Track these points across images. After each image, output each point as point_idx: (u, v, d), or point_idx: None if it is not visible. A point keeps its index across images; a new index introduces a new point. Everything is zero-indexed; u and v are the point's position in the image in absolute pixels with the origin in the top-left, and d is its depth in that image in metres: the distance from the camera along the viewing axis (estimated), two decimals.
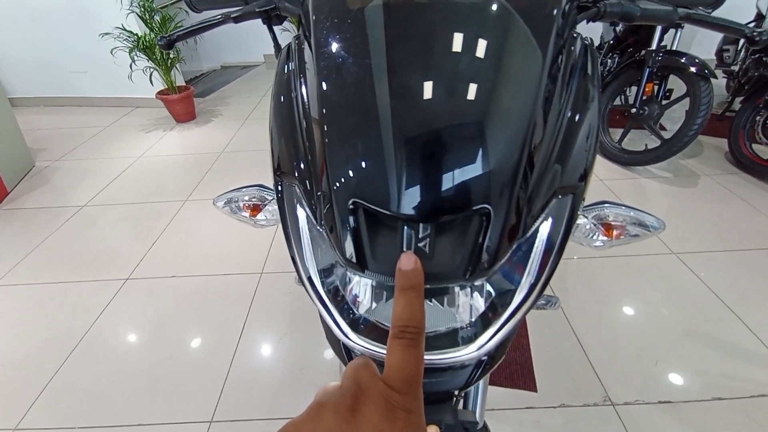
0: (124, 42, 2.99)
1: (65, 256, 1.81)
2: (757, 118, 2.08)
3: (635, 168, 2.28)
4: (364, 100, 0.40)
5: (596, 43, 2.86)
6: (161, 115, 3.39)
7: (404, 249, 0.37)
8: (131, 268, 1.71)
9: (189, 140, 2.97)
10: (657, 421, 1.07)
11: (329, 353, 1.30)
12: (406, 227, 0.37)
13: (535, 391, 1.15)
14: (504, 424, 1.08)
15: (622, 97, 2.43)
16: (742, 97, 2.29)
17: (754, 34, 0.57)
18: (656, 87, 2.18)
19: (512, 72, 0.41)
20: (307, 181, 0.43)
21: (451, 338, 0.40)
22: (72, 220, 2.07)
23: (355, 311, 0.42)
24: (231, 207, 0.62)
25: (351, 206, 0.38)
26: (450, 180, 0.36)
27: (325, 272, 0.43)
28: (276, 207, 0.47)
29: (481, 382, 0.58)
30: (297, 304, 1.49)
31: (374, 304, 0.41)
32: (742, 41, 2.50)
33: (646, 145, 2.23)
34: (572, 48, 0.48)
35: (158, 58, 3.03)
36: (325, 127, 0.41)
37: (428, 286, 0.40)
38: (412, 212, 0.36)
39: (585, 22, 0.56)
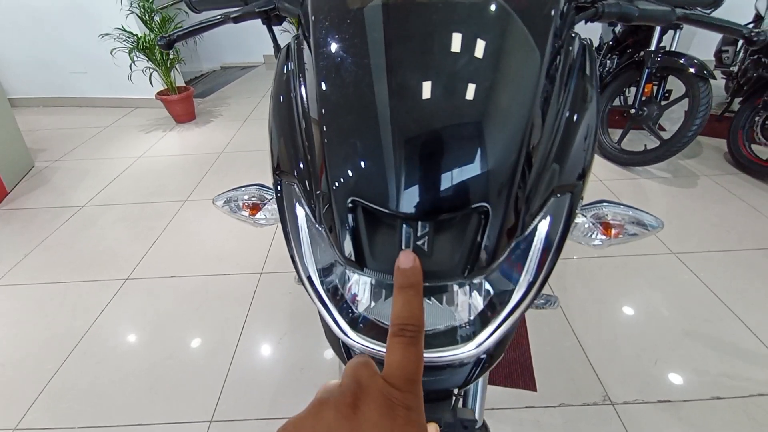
0: (124, 43, 2.99)
1: (65, 256, 1.81)
2: (756, 118, 2.09)
3: (634, 168, 2.28)
4: (363, 100, 0.40)
5: (595, 44, 2.87)
6: (161, 116, 3.40)
7: (403, 247, 0.38)
8: (131, 268, 1.71)
9: (189, 140, 2.98)
10: (656, 421, 1.07)
11: (329, 353, 1.30)
12: (404, 225, 0.37)
13: (535, 390, 1.16)
14: (504, 424, 1.08)
15: (622, 97, 2.43)
16: (741, 98, 2.30)
17: (752, 34, 0.57)
18: (655, 88, 2.19)
19: (510, 72, 0.41)
20: (306, 181, 0.44)
21: (450, 336, 0.40)
22: (72, 220, 2.07)
23: (355, 310, 0.42)
24: (230, 206, 0.62)
25: (350, 205, 0.38)
26: (448, 178, 0.36)
27: (325, 271, 0.43)
28: (275, 206, 0.47)
29: (480, 381, 0.58)
30: (297, 303, 1.49)
31: (373, 303, 0.42)
32: (741, 42, 2.50)
33: (645, 145, 2.23)
34: (570, 48, 0.48)
35: (158, 58, 3.04)
36: (324, 127, 0.41)
37: (427, 284, 0.40)
38: (410, 210, 0.36)
39: (583, 22, 0.57)
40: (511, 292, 0.39)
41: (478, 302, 0.41)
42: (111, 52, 3.05)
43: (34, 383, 1.25)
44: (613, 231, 0.53)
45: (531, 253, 0.39)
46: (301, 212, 0.44)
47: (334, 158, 0.39)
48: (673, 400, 1.12)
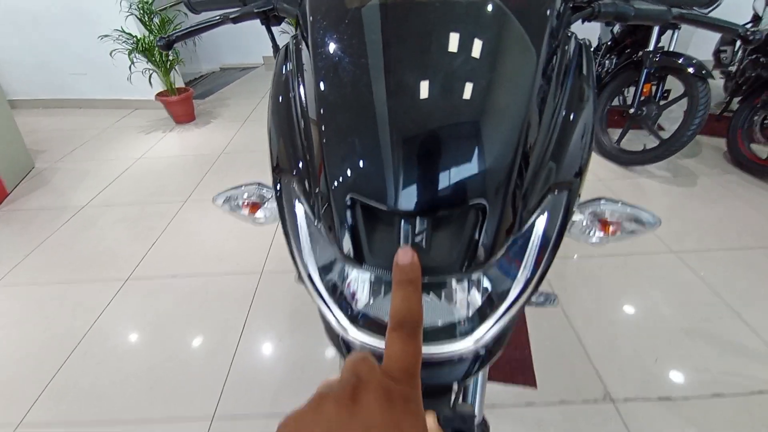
0: (124, 44, 3.00)
1: (65, 256, 1.82)
2: (755, 117, 2.09)
3: (634, 168, 2.29)
4: (362, 99, 0.40)
5: (594, 44, 2.88)
6: (160, 117, 3.40)
7: (401, 244, 0.38)
8: (131, 268, 1.71)
9: (188, 141, 2.98)
10: (657, 418, 1.07)
11: (330, 352, 1.30)
12: (403, 222, 0.38)
13: (535, 387, 1.16)
14: (504, 421, 1.08)
15: (621, 97, 2.44)
16: (739, 97, 2.31)
17: (748, 33, 0.58)
18: (654, 88, 2.19)
19: (507, 71, 0.41)
20: (305, 179, 0.44)
21: (449, 332, 0.40)
22: (72, 221, 2.07)
23: (354, 307, 0.42)
24: (230, 205, 0.63)
25: (349, 202, 0.38)
26: (446, 175, 0.36)
27: (324, 269, 0.44)
28: (275, 205, 0.48)
29: (479, 377, 0.58)
30: (297, 303, 1.49)
31: (372, 300, 0.42)
32: (739, 42, 2.51)
33: (644, 145, 2.24)
34: (567, 47, 0.49)
35: (157, 59, 3.04)
36: (323, 126, 0.41)
37: (426, 280, 0.40)
38: (408, 207, 0.36)
39: (580, 22, 0.57)
40: (509, 288, 0.40)
41: (477, 298, 0.41)
42: (110, 54, 3.06)
43: (35, 383, 1.25)
44: (611, 228, 0.53)
45: (528, 250, 0.40)
46: (300, 210, 0.45)
47: (333, 157, 0.40)
48: (673, 397, 1.12)
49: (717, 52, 2.77)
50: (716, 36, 2.78)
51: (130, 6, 3.00)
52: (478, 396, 0.57)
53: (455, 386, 0.50)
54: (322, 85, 0.43)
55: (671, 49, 2.10)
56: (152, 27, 3.03)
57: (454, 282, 0.41)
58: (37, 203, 2.25)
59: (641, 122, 2.23)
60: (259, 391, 1.20)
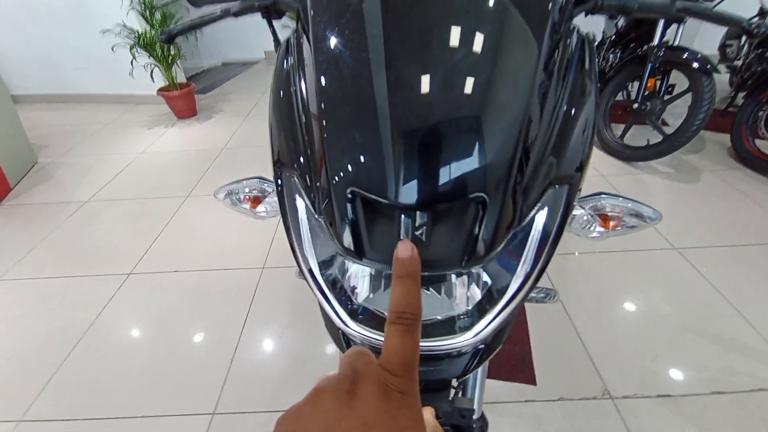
0: (125, 39, 2.99)
1: (68, 251, 1.83)
2: (760, 113, 2.07)
3: (637, 163, 2.27)
4: (362, 93, 0.40)
5: (598, 38, 2.85)
6: (162, 112, 3.40)
7: (401, 237, 0.38)
8: (134, 263, 1.72)
9: (190, 137, 2.98)
10: (656, 415, 1.08)
11: (331, 347, 1.31)
12: (403, 216, 0.38)
13: (535, 384, 1.16)
14: (503, 417, 1.09)
15: (624, 92, 2.42)
16: (744, 92, 2.28)
17: (752, 26, 0.57)
18: (658, 82, 2.17)
19: (508, 65, 0.41)
20: (306, 173, 0.44)
21: (448, 326, 0.41)
22: (75, 215, 2.08)
23: (354, 301, 0.43)
24: (231, 199, 0.63)
25: (349, 195, 0.38)
26: (446, 169, 0.36)
27: (325, 263, 0.44)
28: (276, 199, 0.48)
29: (479, 373, 0.58)
30: (298, 297, 1.50)
31: (372, 294, 0.42)
32: (745, 36, 2.48)
33: (648, 140, 2.22)
34: (569, 41, 0.48)
35: (159, 54, 3.04)
36: (324, 120, 0.41)
37: (425, 274, 0.40)
38: (408, 201, 0.36)
39: (583, 15, 0.57)
40: (509, 282, 0.40)
41: (476, 292, 0.41)
42: (112, 49, 3.06)
43: (38, 376, 1.27)
44: (612, 223, 0.53)
45: (528, 244, 0.40)
46: (301, 204, 0.45)
47: (334, 151, 0.40)
48: (672, 394, 1.12)
49: (723, 47, 2.74)
50: (722, 30, 2.75)
51: (132, 1, 2.99)
52: (477, 392, 0.57)
53: (454, 382, 0.50)
54: (323, 80, 0.43)
55: (676, 44, 2.07)
56: (154, 22, 3.03)
57: (453, 276, 0.41)
58: (40, 198, 2.26)
59: (645, 117, 2.21)
60: (260, 386, 1.20)
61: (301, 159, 0.45)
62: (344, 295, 0.43)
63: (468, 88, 0.39)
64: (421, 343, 0.24)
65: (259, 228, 1.86)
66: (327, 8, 0.48)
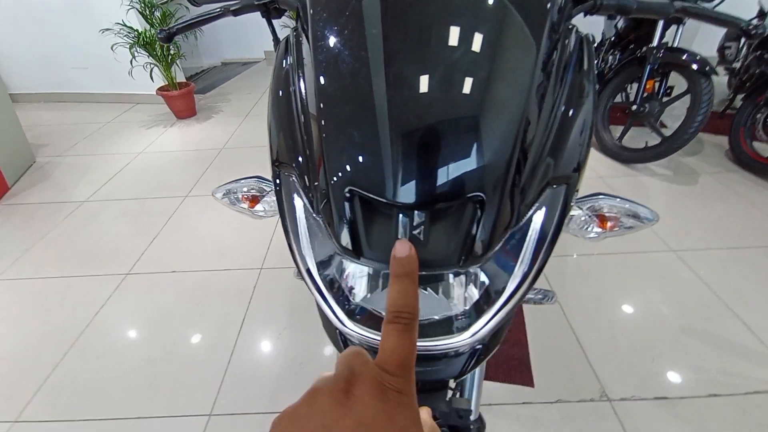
0: (125, 38, 2.99)
1: (66, 251, 1.82)
2: (758, 115, 2.08)
3: (635, 165, 2.28)
4: (361, 93, 0.40)
5: (597, 39, 2.85)
6: (162, 112, 3.40)
7: (399, 237, 0.38)
8: (132, 263, 1.72)
9: (189, 136, 2.98)
10: (653, 417, 1.08)
11: (329, 348, 1.31)
12: (400, 215, 0.38)
13: (532, 386, 1.16)
14: (501, 419, 1.08)
15: (623, 94, 2.42)
16: (743, 95, 2.29)
17: (750, 27, 0.57)
18: (657, 84, 2.17)
19: (507, 64, 0.41)
20: (305, 173, 0.44)
21: (446, 326, 0.40)
22: (73, 215, 2.08)
23: (352, 300, 0.42)
24: (230, 198, 0.62)
25: (347, 195, 0.38)
26: (444, 168, 0.36)
27: (323, 263, 0.44)
28: (274, 198, 0.48)
29: (476, 375, 0.58)
30: (296, 298, 1.50)
31: (370, 293, 0.42)
32: (744, 38, 2.49)
33: (646, 142, 2.23)
34: (567, 41, 0.48)
35: (159, 54, 3.04)
36: (323, 120, 0.41)
37: (423, 273, 0.40)
38: (406, 200, 0.36)
39: (582, 15, 0.57)
40: (507, 282, 0.40)
41: (474, 292, 0.41)
42: (112, 48, 3.05)
43: (34, 377, 1.26)
44: (609, 223, 0.53)
45: (526, 244, 0.40)
46: (299, 204, 0.45)
47: (332, 150, 0.40)
48: (670, 397, 1.12)
49: (722, 48, 2.75)
50: (721, 32, 2.76)
51: (131, 0, 2.99)
52: (474, 392, 0.57)
53: (452, 382, 0.50)
54: (322, 79, 0.43)
55: (675, 45, 2.08)
56: (153, 21, 3.02)
57: (451, 276, 0.41)
58: (39, 197, 2.25)
59: (643, 119, 2.21)
60: (257, 387, 1.20)
61: (300, 158, 0.45)
62: (342, 295, 0.43)
63: (466, 87, 0.39)
64: (419, 343, 0.24)
65: (258, 228, 1.86)
66: (326, 7, 0.48)
